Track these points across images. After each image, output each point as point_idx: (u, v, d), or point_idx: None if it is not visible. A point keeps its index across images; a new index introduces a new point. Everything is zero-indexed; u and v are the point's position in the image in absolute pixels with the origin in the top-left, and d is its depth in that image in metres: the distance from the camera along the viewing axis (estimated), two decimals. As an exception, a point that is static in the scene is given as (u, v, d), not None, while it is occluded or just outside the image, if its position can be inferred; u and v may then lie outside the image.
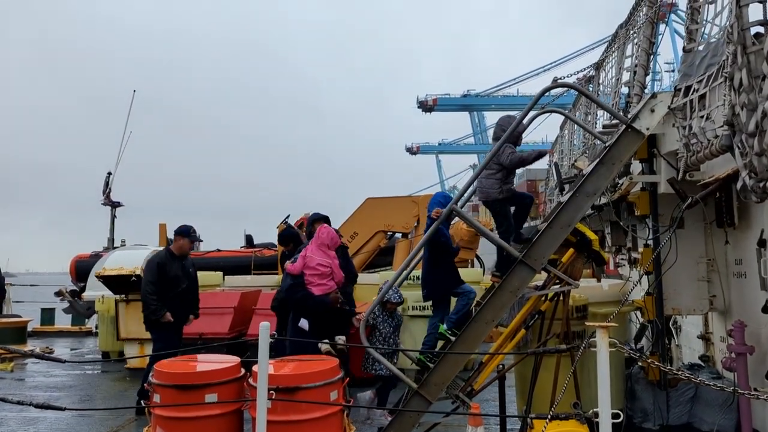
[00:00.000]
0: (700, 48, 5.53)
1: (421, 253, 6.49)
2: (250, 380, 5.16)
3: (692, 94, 5.23)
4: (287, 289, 7.01)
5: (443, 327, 6.32)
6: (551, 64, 71.73)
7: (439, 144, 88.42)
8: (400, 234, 15.17)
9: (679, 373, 4.25)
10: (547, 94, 5.85)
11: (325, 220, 8.23)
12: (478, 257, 13.78)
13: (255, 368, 4.55)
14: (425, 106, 78.22)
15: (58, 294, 17.19)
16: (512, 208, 6.33)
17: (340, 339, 6.81)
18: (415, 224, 14.10)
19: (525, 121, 5.87)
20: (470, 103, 79.23)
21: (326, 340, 6.60)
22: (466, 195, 6.51)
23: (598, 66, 10.18)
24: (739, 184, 4.17)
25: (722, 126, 4.44)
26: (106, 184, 19.82)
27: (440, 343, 6.32)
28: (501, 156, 5.86)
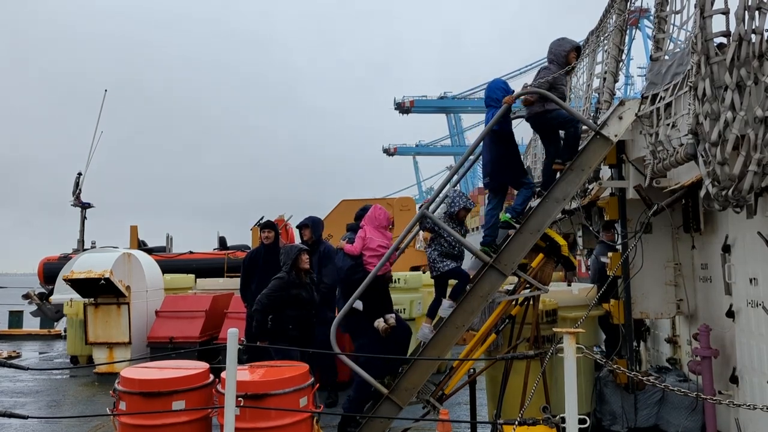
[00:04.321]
0: (667, 57, 5.62)
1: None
2: (219, 387, 5.10)
3: (659, 102, 5.31)
4: (348, 269, 6.92)
5: (506, 215, 6.15)
6: (528, 66, 72.36)
7: (417, 145, 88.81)
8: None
9: (644, 378, 4.30)
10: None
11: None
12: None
13: (223, 375, 4.50)
14: (402, 108, 78.46)
15: (26, 297, 16.88)
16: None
17: (391, 317, 6.76)
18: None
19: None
20: (447, 105, 79.64)
21: (380, 318, 6.60)
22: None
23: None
24: (702, 192, 4.24)
25: (687, 134, 4.51)
26: (76, 184, 19.42)
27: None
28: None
